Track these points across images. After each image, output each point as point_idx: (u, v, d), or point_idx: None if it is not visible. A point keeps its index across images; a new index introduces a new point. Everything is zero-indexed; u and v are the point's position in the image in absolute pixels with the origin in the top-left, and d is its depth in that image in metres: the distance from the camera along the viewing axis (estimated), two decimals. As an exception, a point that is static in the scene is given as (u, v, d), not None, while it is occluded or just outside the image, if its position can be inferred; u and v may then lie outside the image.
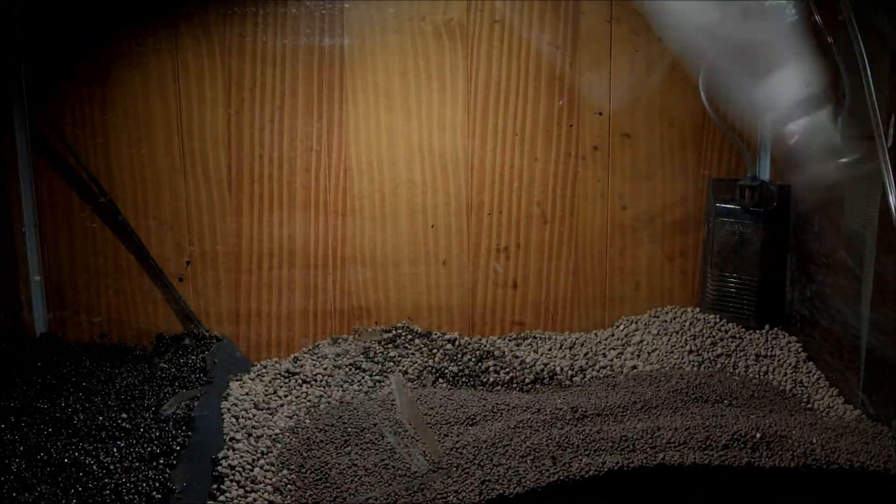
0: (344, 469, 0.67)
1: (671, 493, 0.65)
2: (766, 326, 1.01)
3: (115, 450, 0.68)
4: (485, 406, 0.79)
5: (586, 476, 0.66)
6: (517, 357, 0.95)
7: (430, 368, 0.93)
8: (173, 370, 0.86)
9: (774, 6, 0.88)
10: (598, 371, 0.94)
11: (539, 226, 1.05)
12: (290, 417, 0.79)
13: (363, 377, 0.91)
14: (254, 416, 0.77)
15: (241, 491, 0.64)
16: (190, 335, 0.98)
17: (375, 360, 0.94)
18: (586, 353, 0.97)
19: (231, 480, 0.65)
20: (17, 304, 0.97)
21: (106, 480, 0.63)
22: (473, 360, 0.94)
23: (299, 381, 0.89)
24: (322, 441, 0.72)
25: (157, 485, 0.63)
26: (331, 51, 0.99)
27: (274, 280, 1.02)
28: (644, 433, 0.71)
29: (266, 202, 1.01)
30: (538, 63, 1.02)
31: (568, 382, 0.92)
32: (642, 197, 1.05)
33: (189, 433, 0.72)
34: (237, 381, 0.86)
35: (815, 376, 0.91)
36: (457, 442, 0.72)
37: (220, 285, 1.02)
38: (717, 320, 1.03)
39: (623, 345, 0.99)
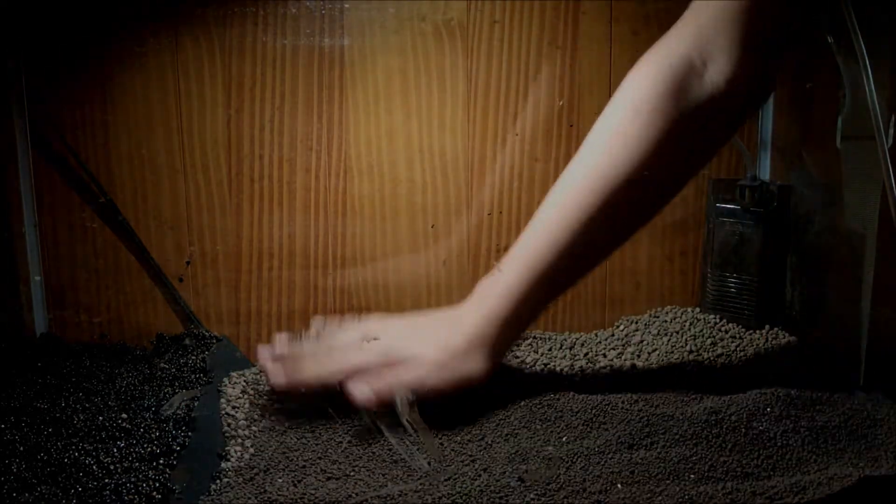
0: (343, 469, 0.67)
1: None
2: (766, 326, 1.01)
3: (115, 450, 0.68)
4: (485, 406, 0.79)
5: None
6: (517, 357, 0.95)
7: (430, 368, 0.93)
8: (173, 370, 0.86)
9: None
10: (598, 371, 0.94)
11: (539, 226, 1.05)
12: (290, 417, 0.78)
13: (363, 377, 0.91)
14: (253, 414, 0.77)
15: (240, 489, 0.64)
16: (190, 335, 0.97)
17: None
18: (586, 354, 0.96)
19: (230, 477, 0.65)
20: (18, 305, 0.97)
21: (106, 481, 0.63)
22: (473, 360, 0.94)
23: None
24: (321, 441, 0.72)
25: (157, 485, 0.63)
26: (331, 51, 0.99)
27: (274, 280, 1.02)
28: (644, 433, 0.71)
29: (266, 202, 1.01)
30: (538, 63, 1.02)
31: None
32: (642, 197, 1.05)
33: (189, 433, 0.72)
34: (237, 380, 0.86)
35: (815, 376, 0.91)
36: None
37: (220, 285, 1.02)
38: (717, 320, 1.03)
39: (623, 345, 0.99)
